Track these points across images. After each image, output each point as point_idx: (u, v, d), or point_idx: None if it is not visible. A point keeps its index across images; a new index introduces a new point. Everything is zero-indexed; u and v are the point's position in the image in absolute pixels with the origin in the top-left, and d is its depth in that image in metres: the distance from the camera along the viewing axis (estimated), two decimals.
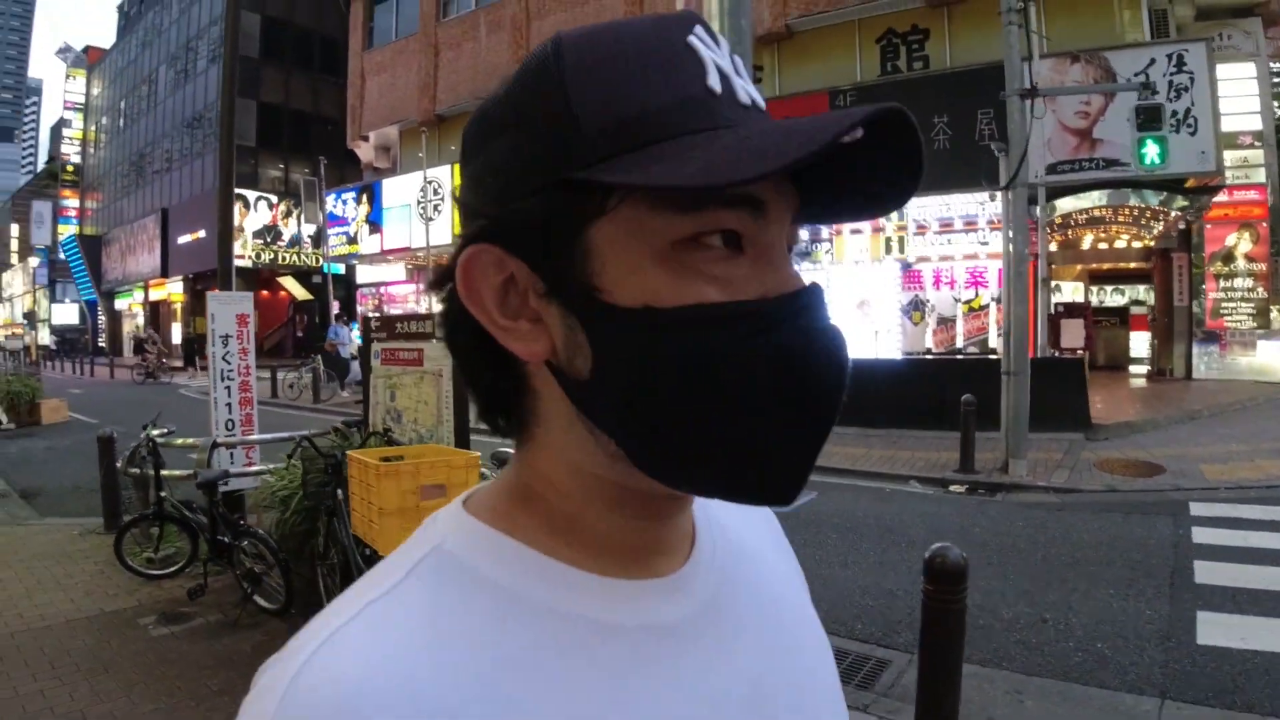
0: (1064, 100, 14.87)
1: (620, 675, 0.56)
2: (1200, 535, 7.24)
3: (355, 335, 15.22)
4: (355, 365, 14.32)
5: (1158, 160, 12.50)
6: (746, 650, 0.63)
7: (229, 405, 6.88)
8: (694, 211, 0.51)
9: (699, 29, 0.55)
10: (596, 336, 0.54)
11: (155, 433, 6.77)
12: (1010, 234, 10.42)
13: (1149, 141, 12.20)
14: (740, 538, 0.71)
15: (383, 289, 29.75)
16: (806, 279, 0.56)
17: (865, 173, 0.55)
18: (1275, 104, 21.99)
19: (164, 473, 6.50)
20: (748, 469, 0.53)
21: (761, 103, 0.56)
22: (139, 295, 47.24)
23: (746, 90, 0.55)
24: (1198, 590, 5.91)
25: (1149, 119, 11.57)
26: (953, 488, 9.51)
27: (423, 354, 5.19)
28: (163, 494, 6.30)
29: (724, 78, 0.54)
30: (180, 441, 7.33)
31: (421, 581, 0.56)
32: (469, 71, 26.04)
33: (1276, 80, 22.85)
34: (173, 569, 6.27)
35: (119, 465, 7.45)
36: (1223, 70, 17.24)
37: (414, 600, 0.55)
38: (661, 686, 0.57)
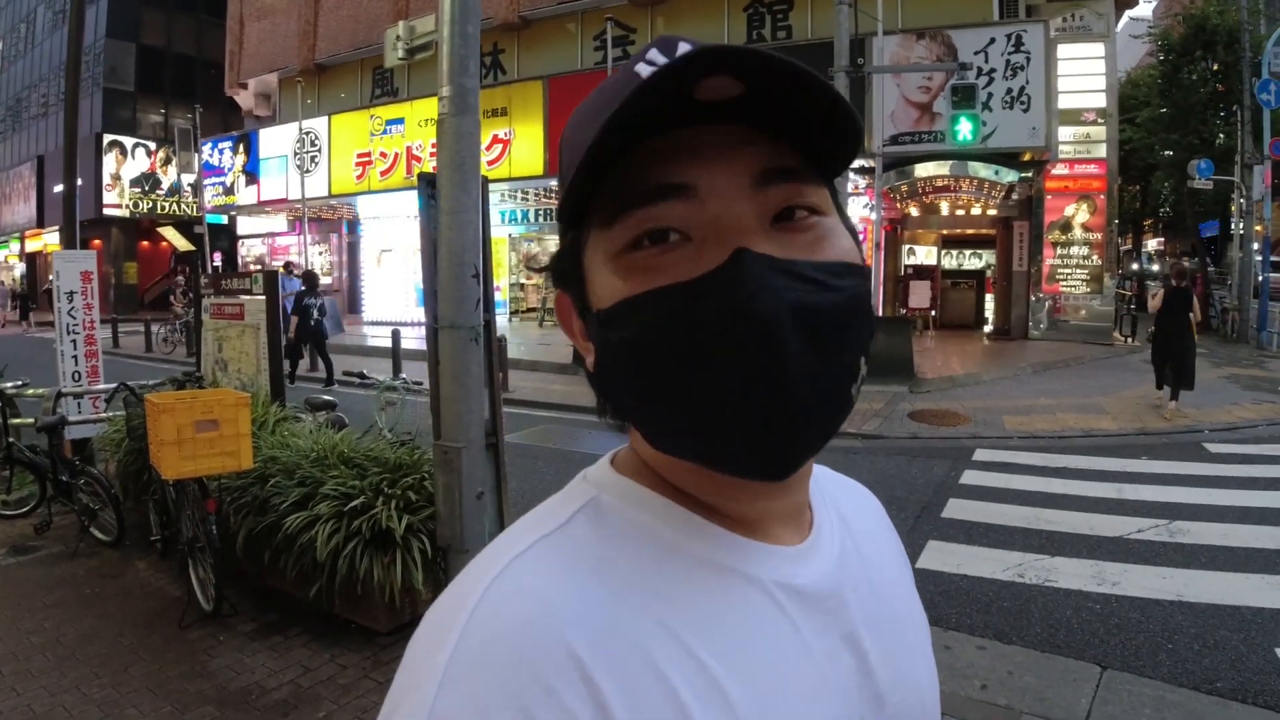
0: (908, 76, 15.61)
1: (756, 620, 0.60)
2: (969, 477, 7.99)
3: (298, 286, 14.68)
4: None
5: (969, 137, 13.36)
6: (854, 621, 0.66)
7: (75, 357, 7.21)
8: (622, 218, 0.57)
9: (653, 51, 0.58)
10: (593, 338, 0.62)
11: (7, 385, 7.15)
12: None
13: (961, 119, 13.09)
14: (852, 522, 0.76)
15: (268, 240, 29.01)
16: (760, 244, 0.55)
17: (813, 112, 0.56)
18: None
19: (12, 421, 6.90)
20: (725, 440, 0.55)
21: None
22: (15, 246, 45.35)
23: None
24: (939, 523, 6.55)
25: (963, 98, 12.40)
26: None
27: (244, 309, 5.70)
28: (10, 440, 6.68)
29: None
30: (31, 392, 7.68)
31: (585, 523, 0.62)
32: (349, 21, 25.49)
33: (1162, 59, 23.60)
34: (25, 510, 6.69)
35: None
36: (1073, 50, 18.40)
37: (580, 537, 0.60)
38: (790, 637, 0.61)
